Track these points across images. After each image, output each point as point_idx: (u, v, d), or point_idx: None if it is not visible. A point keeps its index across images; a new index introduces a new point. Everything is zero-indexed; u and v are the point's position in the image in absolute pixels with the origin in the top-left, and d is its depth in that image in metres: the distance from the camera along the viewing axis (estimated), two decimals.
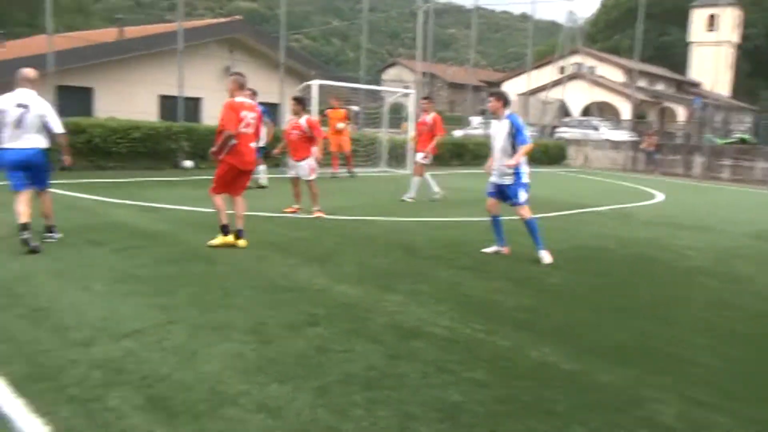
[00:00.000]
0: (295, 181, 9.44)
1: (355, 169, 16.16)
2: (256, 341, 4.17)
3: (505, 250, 7.41)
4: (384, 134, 18.33)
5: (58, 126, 6.60)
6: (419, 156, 11.69)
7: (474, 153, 21.91)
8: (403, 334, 4.51)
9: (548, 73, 36.69)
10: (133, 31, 19.68)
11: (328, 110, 15.11)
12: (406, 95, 18.47)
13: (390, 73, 68.12)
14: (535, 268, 6.83)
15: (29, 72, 6.64)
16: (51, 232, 6.80)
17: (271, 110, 11.57)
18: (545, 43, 56.49)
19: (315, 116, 15.15)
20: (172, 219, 8.43)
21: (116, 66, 16.66)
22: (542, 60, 43.18)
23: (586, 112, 39.24)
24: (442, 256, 7.12)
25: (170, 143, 14.27)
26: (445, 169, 19.90)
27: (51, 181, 6.97)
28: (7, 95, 6.44)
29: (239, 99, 6.86)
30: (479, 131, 27.34)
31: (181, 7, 15.24)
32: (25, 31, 32.97)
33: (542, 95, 31.58)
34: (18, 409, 3.09)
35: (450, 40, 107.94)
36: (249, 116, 6.84)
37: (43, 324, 4.25)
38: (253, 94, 9.52)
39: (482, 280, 6.18)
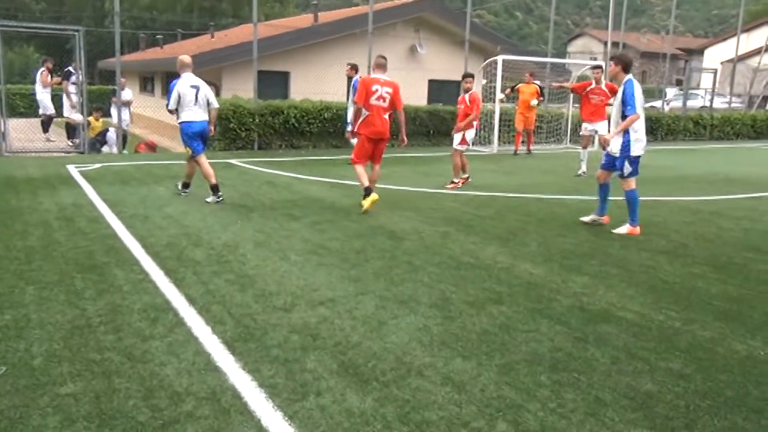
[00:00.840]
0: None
1: (537, 147, 15.70)
2: (440, 316, 4.24)
3: (604, 219, 7.27)
4: (569, 110, 17.56)
5: (215, 102, 8.17)
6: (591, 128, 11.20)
7: (670, 127, 20.25)
8: (590, 317, 4.33)
9: (761, 36, 32.65)
10: (326, 16, 20.70)
11: (520, 85, 14.72)
12: (595, 68, 17.49)
13: (576, 45, 65.02)
14: (743, 254, 6.19)
15: (188, 59, 8.34)
16: (217, 191, 7.90)
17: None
18: (760, 1, 50.37)
19: (500, 92, 14.95)
20: (359, 195, 8.79)
21: (310, 50, 17.66)
22: (755, 21, 38.56)
23: None
24: (632, 238, 6.70)
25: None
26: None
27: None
28: (181, 80, 8.01)
29: (374, 75, 7.92)
30: (676, 103, 25.16)
31: None
32: (231, 22, 36.20)
33: (753, 61, 28.26)
34: (229, 365, 3.44)
35: (644, 6, 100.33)
36: (383, 90, 7.66)
37: (248, 289, 4.67)
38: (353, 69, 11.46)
39: (679, 265, 5.73)
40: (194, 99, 7.89)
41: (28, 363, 3.40)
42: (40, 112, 15.02)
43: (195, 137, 7.97)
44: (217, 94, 16.73)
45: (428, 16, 19.45)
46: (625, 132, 6.67)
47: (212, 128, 8.23)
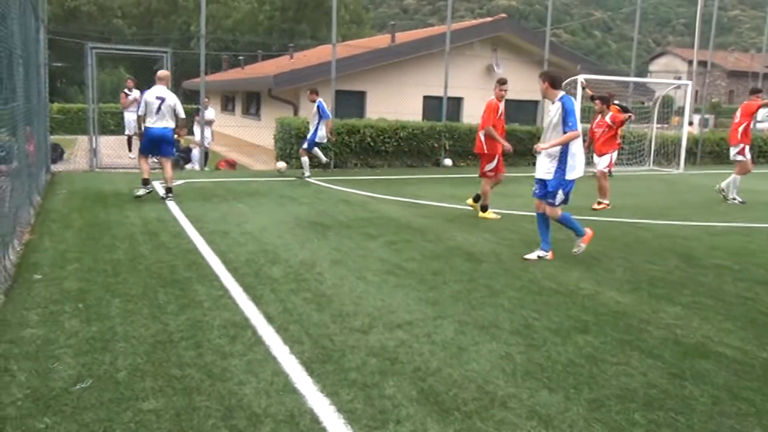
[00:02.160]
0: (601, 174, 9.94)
1: (618, 168, 15.14)
2: (523, 343, 4.07)
3: (549, 255, 6.34)
4: (653, 130, 16.93)
5: (182, 113, 9.31)
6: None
7: (761, 149, 19.18)
8: (685, 351, 4.05)
9: None
10: (402, 36, 20.85)
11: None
12: (678, 87, 16.87)
13: (659, 63, 63.04)
14: None
15: (163, 72, 9.50)
16: (169, 193, 9.18)
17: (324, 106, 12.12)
18: None
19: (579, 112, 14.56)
20: (435, 215, 8.71)
21: (386, 70, 17.79)
22: None
23: None
24: (727, 266, 6.29)
25: (433, 142, 14.82)
26: (723, 168, 17.77)
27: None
28: (150, 90, 9.14)
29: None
30: (763, 125, 23.88)
31: (449, 12, 15.71)
32: (309, 43, 37.09)
33: None
34: (308, 387, 3.38)
35: (731, 24, 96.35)
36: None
37: (326, 309, 4.63)
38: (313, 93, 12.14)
39: None
40: (156, 108, 8.99)
41: (113, 376, 3.45)
42: (126, 132, 15.71)
43: (149, 141, 9.18)
44: (295, 113, 17.10)
45: (506, 35, 19.26)
46: (562, 154, 5.98)
47: (178, 134, 9.63)
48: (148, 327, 4.17)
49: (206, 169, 14.32)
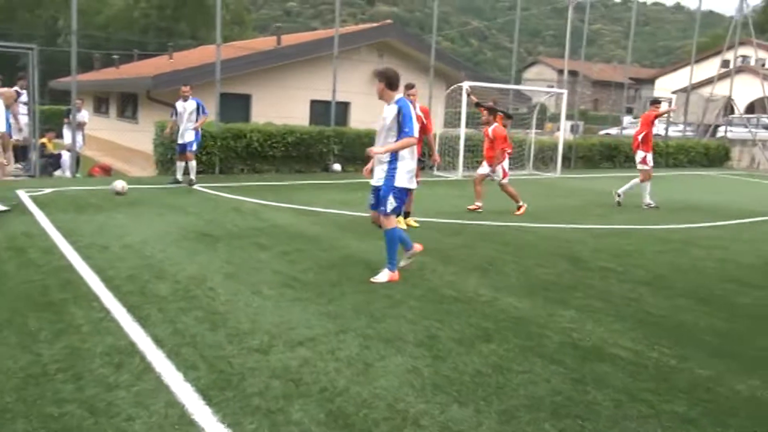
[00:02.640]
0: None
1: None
2: (429, 356, 4.00)
3: (417, 247, 6.01)
4: (532, 136, 17.70)
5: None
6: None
7: (628, 155, 20.59)
8: (583, 354, 4.15)
9: (707, 68, 33.78)
10: (288, 39, 20.49)
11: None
12: (553, 95, 17.77)
13: (532, 72, 66.39)
14: (723, 285, 6.14)
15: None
16: None
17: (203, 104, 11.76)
18: (705, 34, 52.38)
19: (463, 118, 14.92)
20: (326, 222, 8.53)
21: (272, 73, 17.38)
22: (702, 53, 39.99)
23: (751, 109, 35.80)
24: (611, 268, 6.60)
25: (321, 147, 14.63)
26: (595, 171, 18.92)
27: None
28: None
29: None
30: (630, 131, 25.71)
31: (337, 16, 15.60)
32: (189, 44, 35.65)
33: (705, 91, 29.13)
34: (207, 418, 3.11)
35: (593, 36, 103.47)
36: None
37: (220, 328, 4.34)
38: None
39: (662, 297, 5.62)
40: None
41: None
42: None
43: None
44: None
45: (392, 41, 19.44)
46: (392, 160, 5.54)
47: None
48: (17, 359, 3.71)
49: (78, 175, 13.31)
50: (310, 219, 8.76)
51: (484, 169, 10.32)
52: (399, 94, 5.64)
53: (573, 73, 45.74)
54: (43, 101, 16.73)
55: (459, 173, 15.06)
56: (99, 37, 39.26)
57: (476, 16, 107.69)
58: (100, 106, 25.07)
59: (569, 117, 21.26)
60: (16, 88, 13.18)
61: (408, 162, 5.59)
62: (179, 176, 11.60)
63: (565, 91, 17.34)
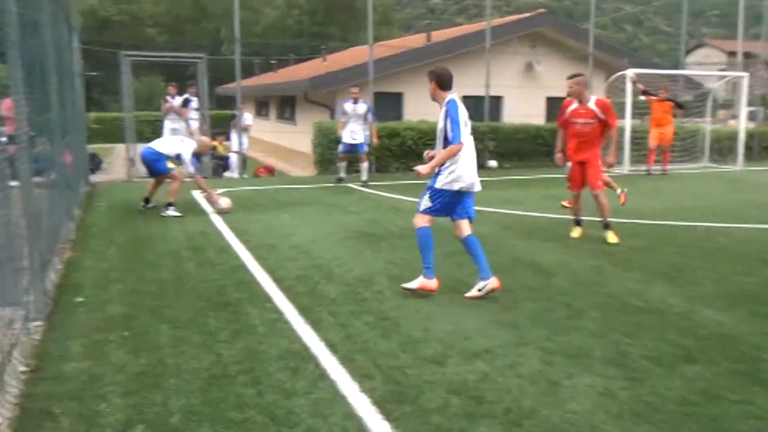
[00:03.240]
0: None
1: (670, 166, 14.43)
2: (622, 377, 3.56)
3: (493, 282, 5.03)
4: (707, 125, 16.16)
5: None
6: None
7: None
8: None
9: None
10: (437, 35, 20.35)
11: (654, 99, 13.62)
12: (727, 79, 16.13)
13: (698, 55, 61.32)
14: None
15: None
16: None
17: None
18: None
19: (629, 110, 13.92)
20: (488, 221, 8.19)
21: (423, 70, 17.21)
22: None
23: None
24: None
25: (476, 143, 14.20)
26: None
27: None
28: None
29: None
30: None
31: (488, 7, 15.17)
32: (340, 46, 36.72)
33: None
34: None
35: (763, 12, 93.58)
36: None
37: (392, 335, 4.18)
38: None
39: None
40: None
41: (166, 422, 3.06)
42: None
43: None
44: (332, 116, 16.73)
45: (545, 30, 18.62)
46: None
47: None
48: (201, 359, 3.78)
49: (245, 176, 14.02)
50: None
51: None
52: (452, 95, 5.24)
53: (748, 55, 41.64)
54: (210, 107, 17.90)
55: (625, 168, 14.04)
56: (257, 44, 41.63)
57: (628, 0, 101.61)
58: (261, 109, 26.46)
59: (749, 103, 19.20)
60: (186, 95, 14.12)
61: (458, 167, 5.05)
62: (342, 174, 11.77)
63: (746, 74, 15.62)
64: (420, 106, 16.68)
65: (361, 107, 11.36)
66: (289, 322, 4.41)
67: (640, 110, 15.10)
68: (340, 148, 11.64)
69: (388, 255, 6.32)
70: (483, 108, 15.13)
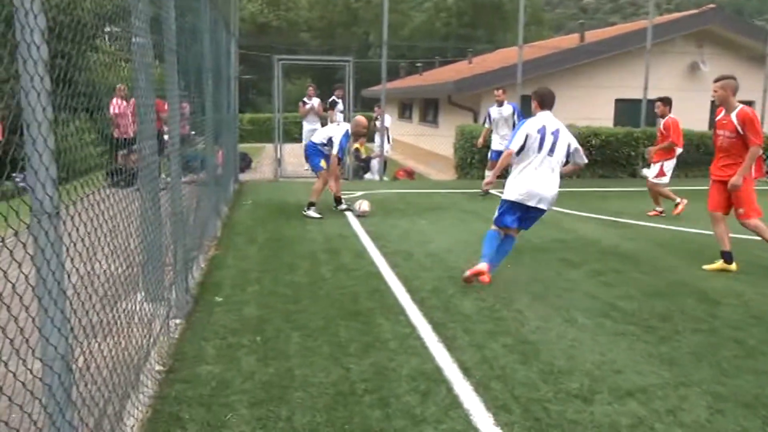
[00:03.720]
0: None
1: None
2: None
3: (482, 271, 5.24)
4: None
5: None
6: None
7: None
8: None
9: None
10: (591, 35, 19.32)
11: None
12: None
13: None
14: None
15: None
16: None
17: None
18: None
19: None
20: (641, 237, 7.52)
21: (573, 72, 16.45)
22: None
23: None
24: None
25: (629, 150, 13.34)
26: None
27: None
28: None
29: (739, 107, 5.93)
30: None
31: (651, 5, 14.09)
32: (486, 48, 36.15)
33: None
34: None
35: None
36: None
37: (532, 362, 3.82)
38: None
39: None
40: None
41: None
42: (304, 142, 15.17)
43: None
44: (475, 120, 16.38)
45: (715, 28, 17.02)
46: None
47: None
48: (329, 372, 3.65)
49: (385, 178, 14.06)
50: (621, 232, 7.82)
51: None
52: (544, 113, 5.42)
53: None
54: (356, 109, 18.23)
55: None
56: (403, 47, 42.07)
57: None
58: (404, 111, 26.61)
59: None
60: (333, 97, 14.41)
61: (514, 175, 5.32)
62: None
63: None
64: (568, 110, 15.92)
65: (507, 109, 10.84)
66: (422, 339, 4.18)
67: None
68: (490, 155, 11.07)
69: (530, 270, 5.91)
70: (637, 112, 14.09)
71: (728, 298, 5.09)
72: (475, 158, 12.80)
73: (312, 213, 8.40)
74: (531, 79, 14.80)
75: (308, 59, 16.09)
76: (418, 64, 29.31)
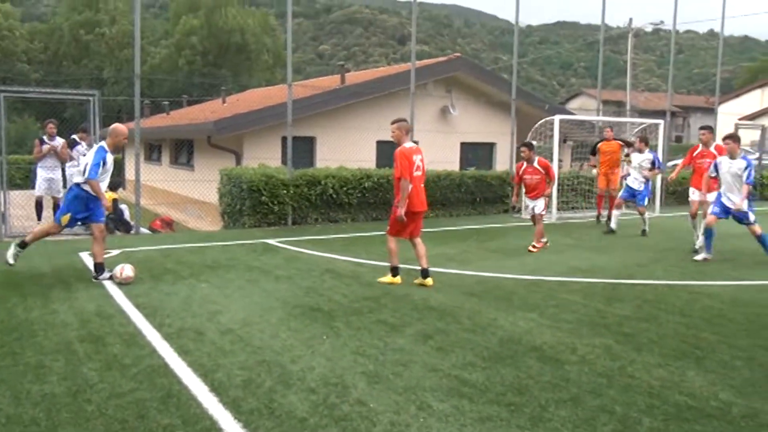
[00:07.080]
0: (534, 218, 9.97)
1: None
2: None
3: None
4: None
5: None
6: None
7: None
8: None
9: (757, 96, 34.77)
10: (351, 78, 19.51)
11: (600, 143, 13.20)
12: (648, 126, 16.32)
13: (575, 103, 64.90)
14: None
15: None
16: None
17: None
18: (743, 59, 50.69)
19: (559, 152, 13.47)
20: (445, 286, 7.09)
21: (336, 114, 16.30)
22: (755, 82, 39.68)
23: None
24: None
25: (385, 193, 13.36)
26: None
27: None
28: None
29: (408, 145, 7.01)
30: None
31: (413, 48, 14.38)
32: (231, 88, 35.17)
33: None
34: None
35: (625, 66, 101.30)
36: (418, 160, 6.98)
37: None
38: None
39: None
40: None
41: None
42: (36, 192, 12.19)
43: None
44: (238, 162, 15.27)
45: (460, 75, 18.26)
46: None
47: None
48: None
49: (143, 229, 12.21)
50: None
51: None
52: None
53: (618, 104, 44.35)
54: None
55: (554, 215, 13.55)
56: (143, 84, 39.30)
57: (506, 51, 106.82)
58: (152, 153, 24.35)
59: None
60: (74, 135, 12.23)
61: None
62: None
63: (661, 122, 15.83)
64: (332, 152, 15.66)
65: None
66: None
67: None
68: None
69: (351, 341, 5.04)
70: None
71: (565, 355, 4.75)
72: (245, 205, 11.69)
73: (105, 275, 7.06)
74: (294, 120, 14.19)
75: (41, 92, 13.55)
76: (165, 102, 27.27)
